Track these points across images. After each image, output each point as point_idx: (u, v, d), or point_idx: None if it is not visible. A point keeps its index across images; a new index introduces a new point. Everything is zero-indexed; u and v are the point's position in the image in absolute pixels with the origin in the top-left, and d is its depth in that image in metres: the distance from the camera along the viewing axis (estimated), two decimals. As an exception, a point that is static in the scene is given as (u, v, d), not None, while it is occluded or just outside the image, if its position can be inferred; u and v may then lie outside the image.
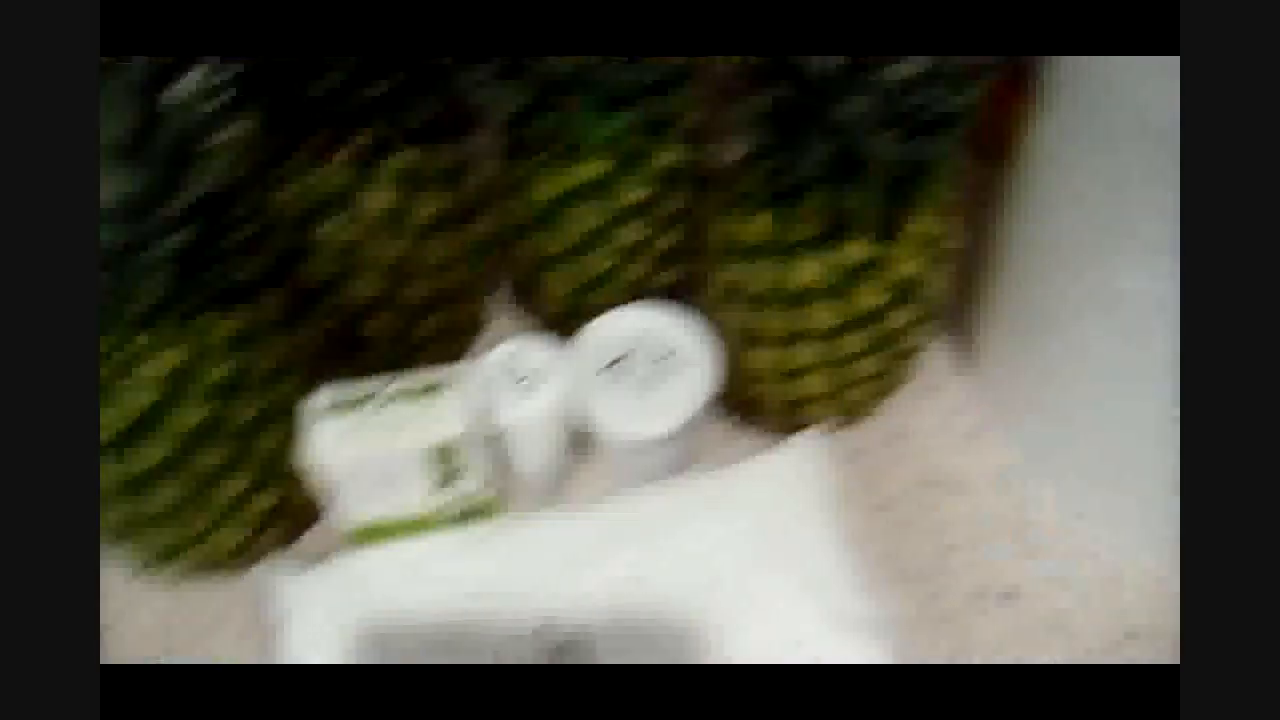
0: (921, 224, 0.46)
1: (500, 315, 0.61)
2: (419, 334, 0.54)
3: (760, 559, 0.47)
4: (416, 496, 0.48)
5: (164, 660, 0.50)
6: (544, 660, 0.45)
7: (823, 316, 0.46)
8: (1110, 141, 0.41)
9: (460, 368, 0.47)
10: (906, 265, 0.46)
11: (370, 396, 0.46)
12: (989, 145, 0.53)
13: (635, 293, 0.54)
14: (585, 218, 0.50)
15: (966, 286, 0.57)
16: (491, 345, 0.50)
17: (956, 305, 0.58)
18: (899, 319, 0.48)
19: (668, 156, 0.50)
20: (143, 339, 0.41)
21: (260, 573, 0.49)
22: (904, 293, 0.47)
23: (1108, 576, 0.52)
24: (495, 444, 0.48)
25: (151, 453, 0.42)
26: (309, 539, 0.53)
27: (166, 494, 0.43)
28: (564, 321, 0.53)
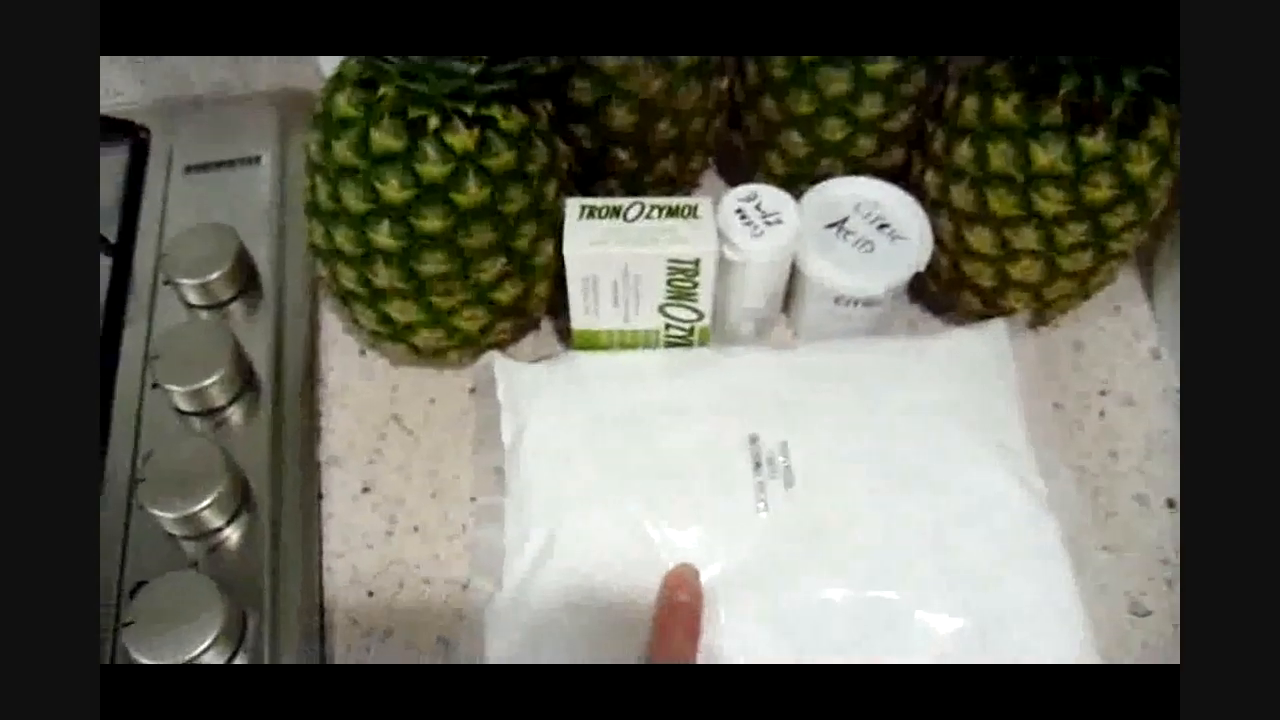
0: (1157, 130, 0.48)
1: (711, 181, 0.65)
2: (650, 176, 0.58)
3: (955, 416, 0.50)
4: (647, 308, 0.52)
5: (390, 432, 0.55)
6: (752, 469, 0.48)
7: (1052, 201, 0.49)
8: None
9: (707, 199, 0.51)
10: (1138, 166, 0.49)
11: (623, 209, 0.50)
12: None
13: (859, 166, 0.57)
14: (834, 83, 0.53)
15: (1160, 225, 0.59)
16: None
17: (1150, 242, 0.60)
18: (1120, 217, 0.50)
19: (919, 38, 0.53)
20: (438, 119, 0.46)
21: (484, 362, 0.54)
22: (1132, 191, 0.49)
23: (1268, 503, 0.54)
24: (729, 275, 0.52)
25: (433, 222, 0.47)
26: (526, 345, 0.58)
27: (437, 260, 0.48)
28: (787, 184, 0.56)
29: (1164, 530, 0.53)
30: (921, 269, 0.54)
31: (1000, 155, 0.50)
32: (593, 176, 0.56)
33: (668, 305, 0.52)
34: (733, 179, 0.65)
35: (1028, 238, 0.51)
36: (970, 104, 0.51)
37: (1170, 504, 0.54)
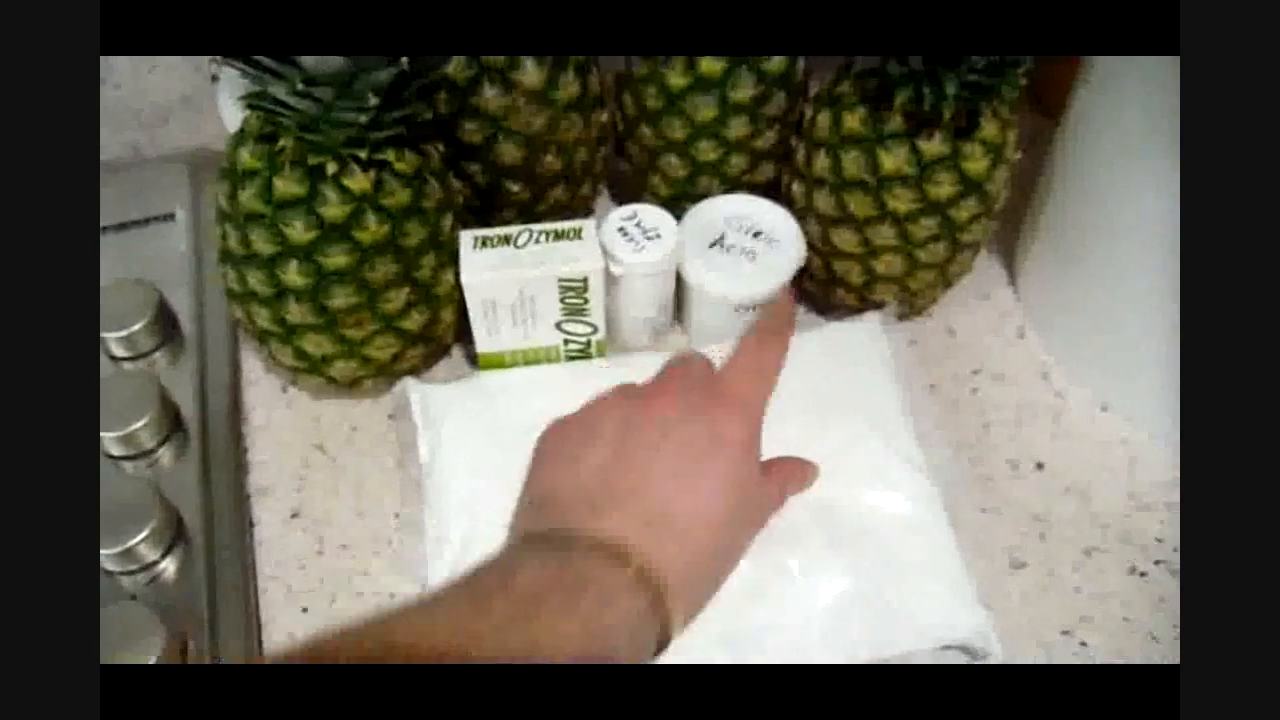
0: (989, 131, 0.54)
1: (604, 205, 0.70)
2: (543, 206, 0.62)
3: (835, 401, 0.55)
4: (544, 327, 0.56)
5: (314, 460, 0.58)
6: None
7: (902, 200, 0.55)
8: (1134, 105, 0.51)
9: (590, 221, 0.55)
10: (975, 164, 0.54)
11: (513, 236, 0.54)
12: (1046, 102, 0.63)
13: (734, 184, 0.62)
14: (703, 109, 0.58)
15: (1017, 217, 0.65)
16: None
17: (1007, 232, 0.67)
18: (965, 211, 0.56)
19: (774, 62, 0.58)
20: (335, 165, 0.50)
21: (400, 388, 0.58)
22: (971, 187, 0.55)
23: (1126, 459, 0.60)
24: (618, 288, 0.56)
25: (338, 259, 0.51)
26: (439, 370, 0.62)
27: (345, 295, 0.52)
28: (671, 203, 0.61)
29: (1034, 491, 0.58)
30: (802, 264, 0.59)
31: (853, 163, 0.55)
32: (489, 208, 0.61)
33: (563, 322, 0.56)
34: (624, 202, 0.69)
35: (885, 235, 0.56)
36: (823, 119, 0.56)
37: (1039, 466, 0.59)
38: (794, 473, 0.51)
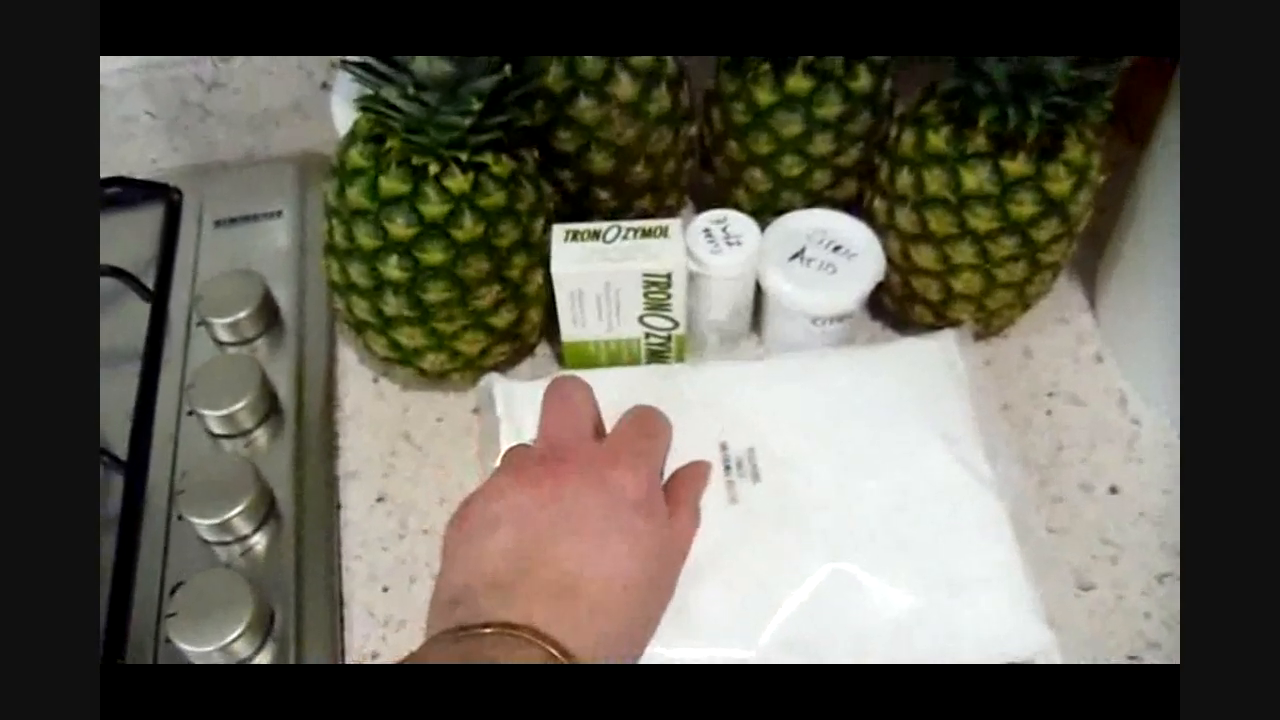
0: (1072, 153, 0.55)
1: (687, 217, 0.72)
2: (629, 214, 0.64)
3: (906, 412, 0.56)
4: (628, 319, 0.58)
5: (401, 448, 0.61)
6: (723, 471, 0.54)
7: (983, 219, 0.56)
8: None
9: (677, 220, 0.58)
10: (1058, 184, 0.55)
11: (602, 231, 0.57)
12: (1133, 129, 0.63)
13: (816, 199, 0.64)
14: (789, 125, 0.60)
15: (1099, 244, 0.66)
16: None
17: (1088, 258, 0.67)
18: (1045, 231, 0.56)
19: (861, 81, 0.60)
20: (437, 166, 0.52)
21: (484, 383, 0.60)
22: (1053, 207, 0.55)
23: (1202, 488, 0.59)
24: (694, 288, 0.58)
25: (435, 255, 0.53)
26: (523, 369, 0.64)
27: (439, 289, 0.54)
28: (754, 216, 0.62)
29: (1106, 513, 0.58)
30: (881, 278, 0.60)
31: (935, 180, 0.56)
32: (577, 215, 0.63)
33: (646, 315, 0.58)
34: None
35: (965, 253, 0.57)
36: (908, 138, 0.58)
37: (1113, 490, 0.59)
38: (692, 486, 0.52)
